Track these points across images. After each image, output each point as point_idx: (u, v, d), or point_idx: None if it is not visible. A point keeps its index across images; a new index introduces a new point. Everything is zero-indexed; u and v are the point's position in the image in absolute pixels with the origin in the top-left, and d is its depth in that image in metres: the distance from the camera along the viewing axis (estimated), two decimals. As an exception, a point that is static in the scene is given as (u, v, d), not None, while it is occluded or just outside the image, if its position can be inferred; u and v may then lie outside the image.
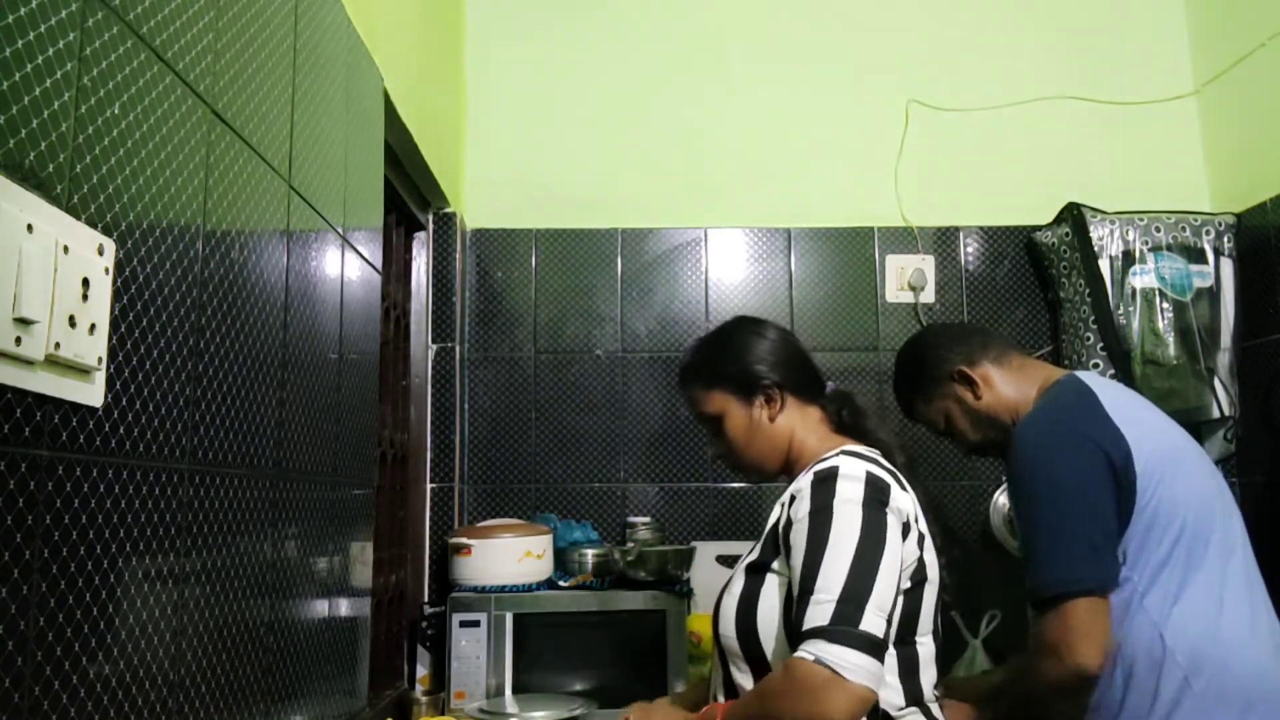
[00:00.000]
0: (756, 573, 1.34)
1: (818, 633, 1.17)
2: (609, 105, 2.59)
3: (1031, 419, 1.54)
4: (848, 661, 1.14)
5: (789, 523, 1.30)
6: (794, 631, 1.21)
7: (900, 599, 1.28)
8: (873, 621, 1.17)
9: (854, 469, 1.30)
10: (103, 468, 0.77)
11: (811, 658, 1.15)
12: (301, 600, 1.25)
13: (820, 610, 1.18)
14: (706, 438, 1.55)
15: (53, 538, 0.71)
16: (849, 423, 1.49)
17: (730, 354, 1.48)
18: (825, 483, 1.29)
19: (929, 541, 1.35)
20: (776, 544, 1.33)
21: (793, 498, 1.33)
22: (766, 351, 1.48)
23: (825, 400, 1.51)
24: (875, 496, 1.27)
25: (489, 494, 2.42)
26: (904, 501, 1.31)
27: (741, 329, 1.52)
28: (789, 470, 1.47)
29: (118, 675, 0.79)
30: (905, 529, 1.29)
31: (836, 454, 1.36)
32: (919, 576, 1.32)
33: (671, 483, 2.44)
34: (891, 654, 1.27)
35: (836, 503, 1.26)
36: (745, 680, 1.33)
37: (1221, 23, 2.53)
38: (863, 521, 1.24)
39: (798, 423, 1.46)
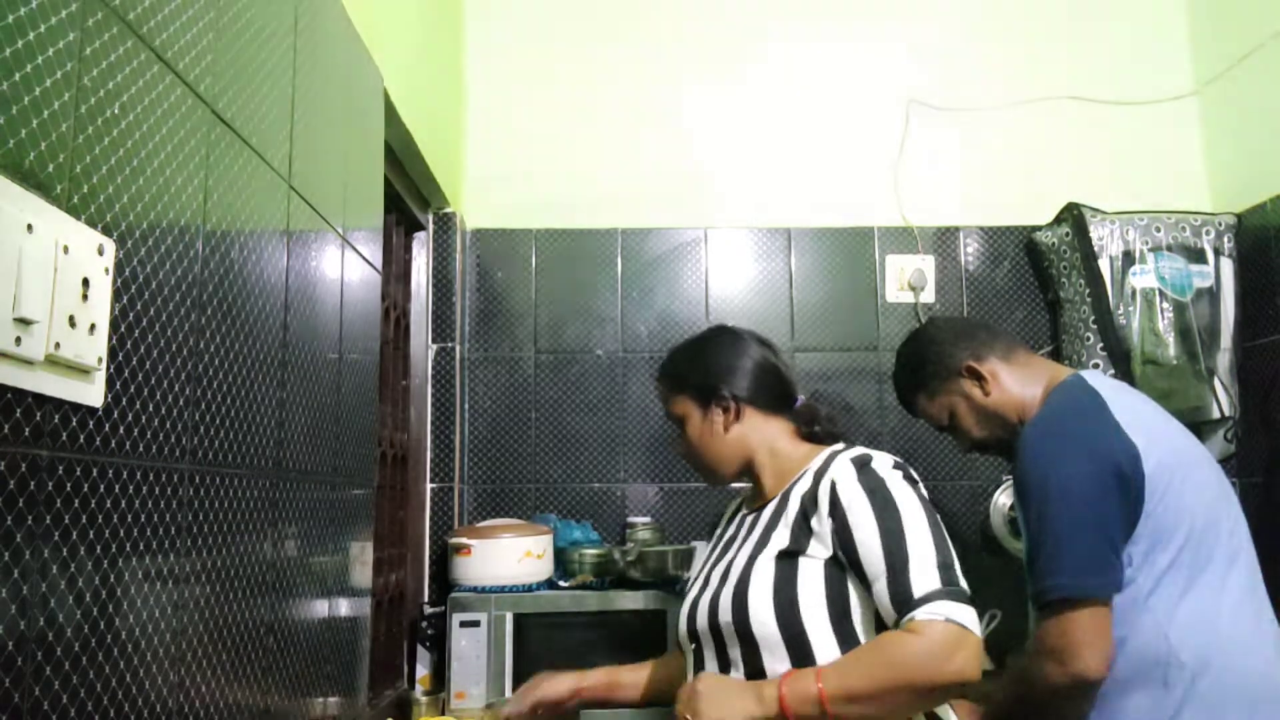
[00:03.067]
0: (788, 559, 1.36)
1: (935, 595, 1.22)
2: (609, 105, 2.59)
3: (1039, 423, 1.53)
4: (971, 618, 1.21)
5: (835, 508, 1.34)
6: (898, 601, 1.24)
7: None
8: (965, 582, 1.26)
9: (881, 457, 1.39)
10: (103, 468, 0.77)
11: (942, 618, 1.20)
12: (301, 600, 1.25)
13: (928, 576, 1.24)
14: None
15: (53, 538, 0.71)
16: (819, 434, 1.54)
17: (696, 364, 1.56)
18: (866, 467, 1.36)
19: None
20: (808, 530, 1.36)
21: (832, 484, 1.36)
22: (732, 364, 1.53)
23: (793, 414, 1.55)
24: (910, 476, 1.37)
25: (489, 494, 2.42)
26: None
27: (715, 340, 1.59)
28: (757, 474, 1.52)
29: (118, 675, 0.79)
30: None
31: (844, 447, 1.44)
32: None
33: (671, 483, 2.44)
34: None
35: (889, 484, 1.33)
36: (782, 667, 1.33)
37: (1221, 23, 2.53)
38: (918, 498, 1.33)
39: (756, 433, 1.51)
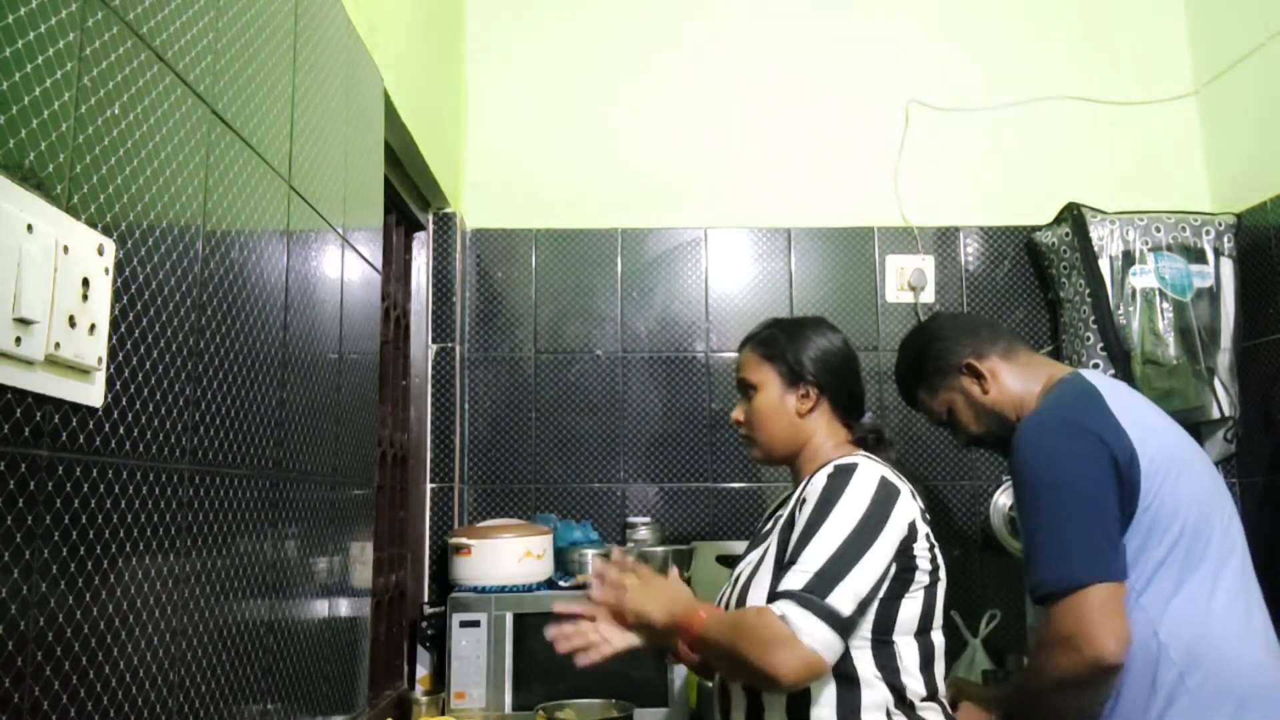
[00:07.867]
0: (780, 569, 1.38)
1: (788, 595, 1.27)
2: (609, 105, 2.59)
3: (1036, 416, 1.53)
4: (809, 627, 1.24)
5: (801, 504, 1.39)
6: (771, 594, 1.31)
7: (905, 595, 1.36)
8: (841, 599, 1.26)
9: (871, 470, 1.39)
10: (103, 468, 0.77)
11: (779, 614, 1.26)
12: (301, 600, 1.25)
13: (797, 578, 1.28)
14: (737, 400, 1.62)
15: (53, 538, 0.71)
16: (872, 447, 1.54)
17: (796, 341, 1.56)
18: (841, 476, 1.38)
19: (938, 547, 1.43)
20: (790, 531, 1.39)
21: (809, 484, 1.41)
22: (827, 357, 1.55)
23: (857, 424, 1.57)
24: (883, 499, 1.36)
25: (489, 494, 2.42)
26: (912, 509, 1.39)
27: (820, 329, 1.60)
28: (797, 467, 1.53)
29: (118, 675, 0.79)
30: (912, 534, 1.36)
31: (859, 455, 1.44)
32: (934, 576, 1.40)
33: (671, 483, 2.44)
34: (912, 644, 1.36)
35: (846, 495, 1.35)
36: None
37: (1221, 23, 2.53)
38: (863, 517, 1.33)
39: (821, 428, 1.53)
